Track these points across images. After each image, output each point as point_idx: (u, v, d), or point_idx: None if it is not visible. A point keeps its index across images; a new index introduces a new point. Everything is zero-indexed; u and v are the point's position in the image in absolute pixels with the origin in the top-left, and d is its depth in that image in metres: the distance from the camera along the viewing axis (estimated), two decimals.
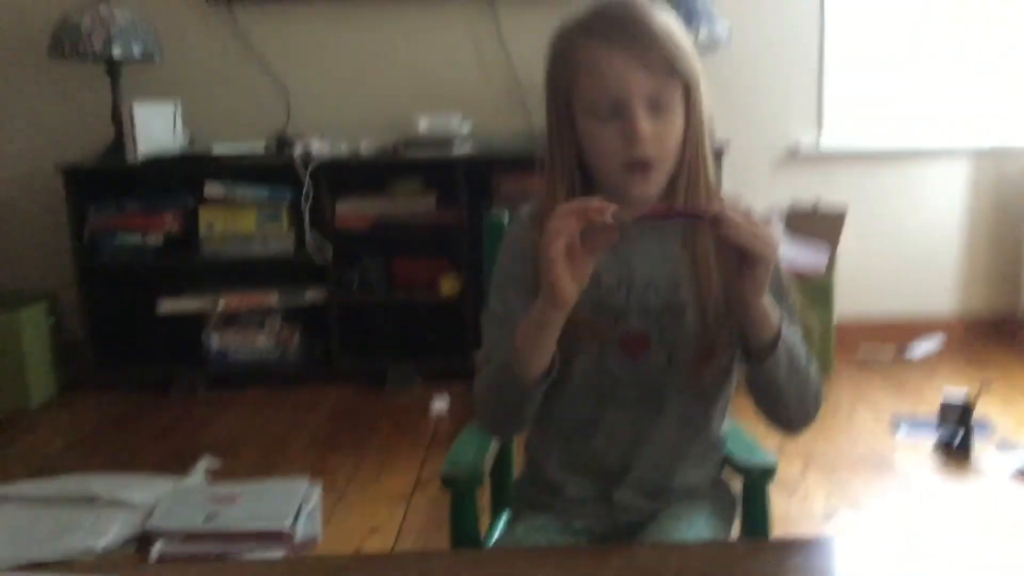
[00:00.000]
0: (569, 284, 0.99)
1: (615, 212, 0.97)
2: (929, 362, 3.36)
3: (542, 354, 1.07)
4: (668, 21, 1.11)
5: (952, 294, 3.64)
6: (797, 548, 1.09)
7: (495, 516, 1.48)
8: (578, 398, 1.20)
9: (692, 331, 1.15)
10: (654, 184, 1.11)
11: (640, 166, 1.09)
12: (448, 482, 1.30)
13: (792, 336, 1.10)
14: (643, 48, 1.07)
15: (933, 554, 1.04)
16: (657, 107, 1.08)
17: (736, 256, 0.99)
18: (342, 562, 1.22)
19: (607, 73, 1.07)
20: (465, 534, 1.29)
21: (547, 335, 1.05)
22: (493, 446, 1.38)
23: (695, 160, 1.13)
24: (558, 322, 1.04)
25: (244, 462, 2.64)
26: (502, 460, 1.48)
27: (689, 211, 1.09)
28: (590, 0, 1.13)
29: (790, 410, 1.14)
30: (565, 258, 0.98)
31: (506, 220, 1.42)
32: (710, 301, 1.13)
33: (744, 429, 1.34)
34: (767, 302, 1.04)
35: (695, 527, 1.19)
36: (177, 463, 2.58)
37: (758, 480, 1.28)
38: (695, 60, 1.11)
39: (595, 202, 0.97)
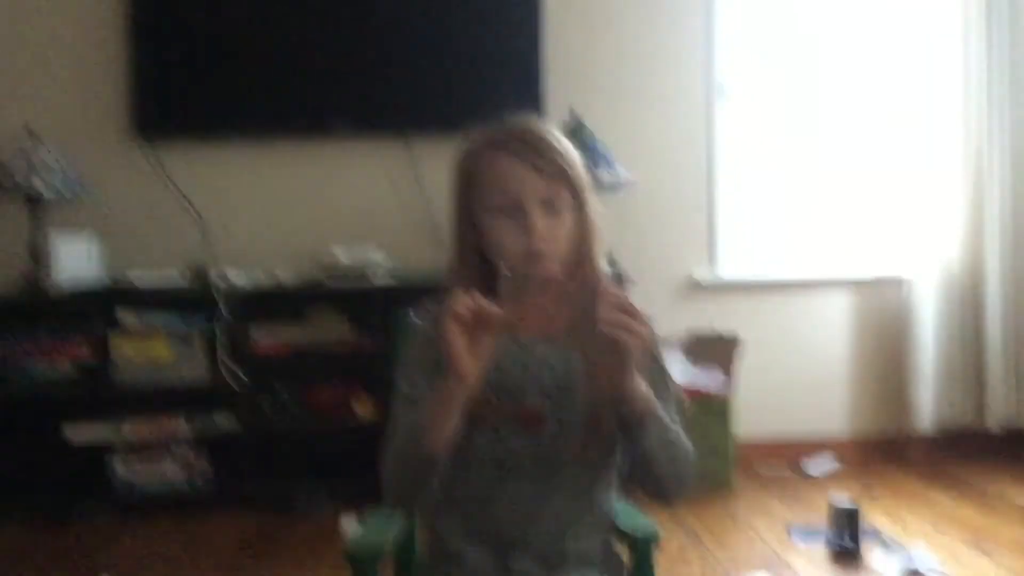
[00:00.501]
0: (469, 361, 1.10)
1: (504, 320, 1.10)
2: (824, 480, 3.51)
3: (447, 428, 1.17)
4: (560, 138, 1.30)
5: (843, 414, 3.85)
6: None
7: None
8: (478, 471, 1.29)
9: (582, 408, 1.27)
10: (549, 271, 1.25)
11: (535, 256, 1.23)
12: (351, 557, 1.36)
13: (663, 414, 1.23)
14: (539, 158, 1.25)
15: None
16: (550, 208, 1.25)
17: (609, 344, 1.11)
18: None
19: (509, 178, 1.25)
20: None
21: (451, 410, 1.16)
22: (395, 528, 1.45)
23: (585, 253, 1.30)
24: (462, 398, 1.15)
25: None
26: (405, 543, 1.53)
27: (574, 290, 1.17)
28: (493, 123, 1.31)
29: (662, 480, 1.25)
30: (465, 337, 1.10)
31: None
32: (596, 382, 1.23)
33: (629, 504, 1.45)
34: (636, 383, 1.17)
35: None
36: None
37: (643, 546, 1.38)
38: (582, 170, 1.30)
39: (492, 310, 1.10)
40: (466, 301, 1.10)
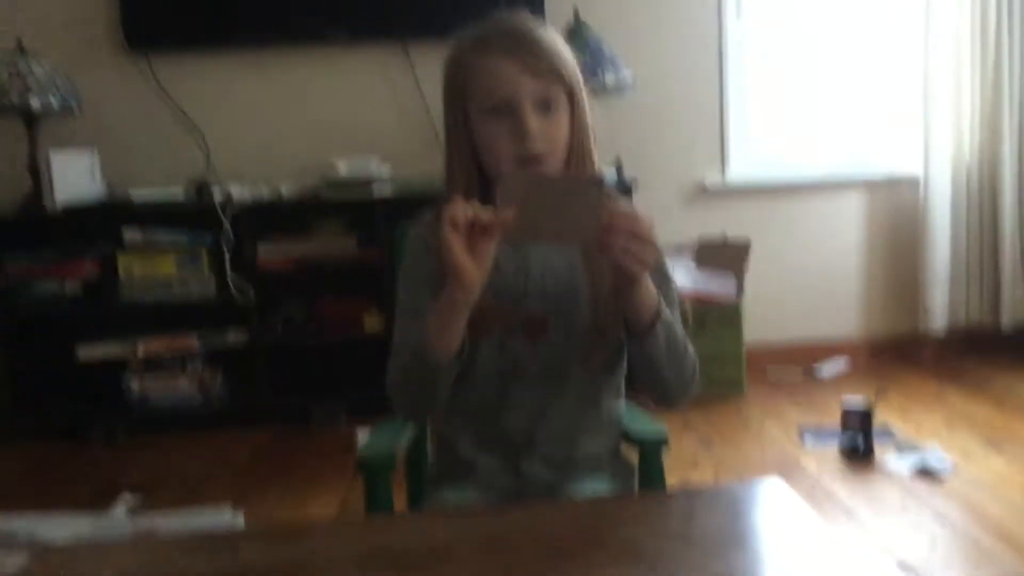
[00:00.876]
0: (471, 268, 1.07)
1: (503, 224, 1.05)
2: (835, 381, 3.52)
3: (452, 337, 1.14)
4: (552, 35, 1.24)
5: (855, 317, 3.83)
6: (684, 497, 1.17)
7: (412, 504, 1.53)
8: (484, 380, 1.27)
9: (586, 312, 1.25)
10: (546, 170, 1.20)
11: (531, 160, 1.18)
12: (362, 465, 1.36)
13: (670, 318, 1.20)
14: (531, 56, 1.19)
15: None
16: (545, 107, 1.20)
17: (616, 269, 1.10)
18: (269, 531, 1.25)
19: (499, 78, 1.19)
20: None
21: (456, 319, 1.13)
22: (406, 436, 1.45)
23: (581, 155, 1.24)
24: (465, 306, 1.12)
25: (165, 500, 2.62)
26: (416, 451, 1.53)
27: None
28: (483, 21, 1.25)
29: (667, 384, 1.24)
30: (464, 244, 1.06)
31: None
32: (601, 286, 1.23)
33: (638, 409, 1.44)
34: (645, 290, 1.14)
35: (597, 494, 1.28)
36: (97, 504, 2.56)
37: (652, 448, 1.37)
38: (576, 68, 1.24)
39: (485, 214, 1.05)
40: (463, 208, 1.05)
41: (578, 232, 1.06)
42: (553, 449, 1.30)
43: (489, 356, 1.26)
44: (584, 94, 1.25)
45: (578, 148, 1.24)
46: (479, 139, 1.22)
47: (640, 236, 1.07)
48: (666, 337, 1.19)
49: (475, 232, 1.06)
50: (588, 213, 1.05)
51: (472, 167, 1.24)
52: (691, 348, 1.25)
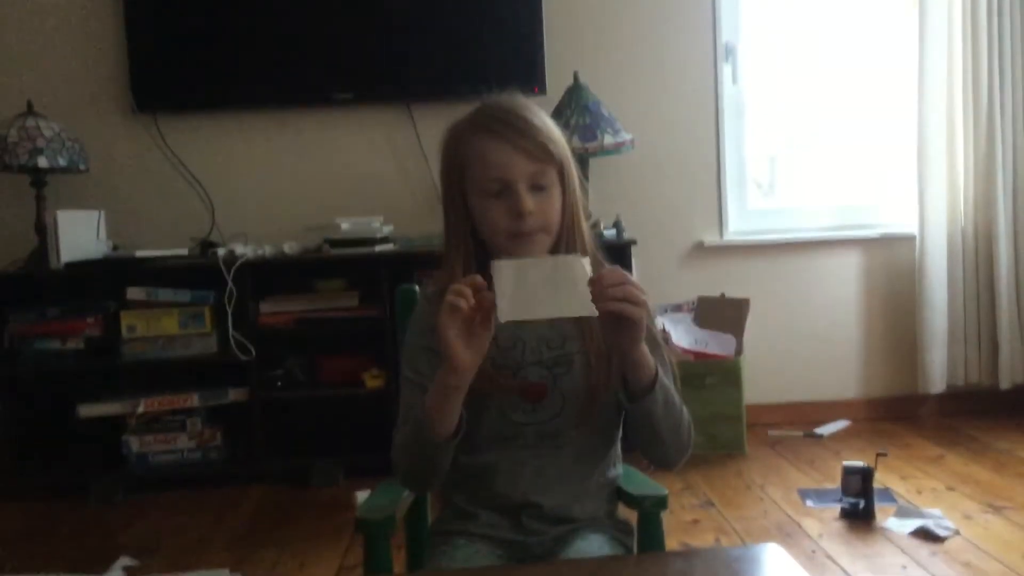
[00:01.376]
0: (466, 354, 1.14)
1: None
2: (835, 441, 3.51)
3: (450, 416, 1.21)
4: (542, 116, 1.32)
5: (854, 377, 3.83)
6: (683, 558, 1.18)
7: (411, 566, 1.53)
8: (484, 443, 1.32)
9: (581, 377, 1.31)
10: (539, 250, 1.28)
11: (525, 236, 1.27)
12: (361, 525, 1.36)
13: (667, 381, 1.27)
14: (523, 138, 1.27)
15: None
16: (538, 186, 1.28)
17: (612, 320, 1.14)
18: None
19: (495, 160, 1.27)
20: None
21: (452, 400, 1.20)
22: (406, 496, 1.45)
23: (572, 227, 1.32)
24: (461, 388, 1.18)
25: (163, 560, 2.61)
26: (416, 512, 1.54)
27: None
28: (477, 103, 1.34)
29: (666, 446, 1.29)
30: (461, 331, 1.13)
31: (416, 290, 1.57)
32: (592, 352, 1.30)
33: (636, 470, 1.46)
34: (643, 350, 1.20)
35: (601, 549, 1.30)
36: (95, 564, 2.54)
37: (652, 509, 1.38)
38: (565, 146, 1.32)
39: (472, 280, 1.13)
40: (463, 296, 1.12)
41: (571, 303, 1.11)
42: (551, 507, 1.33)
43: (488, 421, 1.31)
44: (574, 171, 1.33)
45: (569, 223, 1.32)
46: (476, 216, 1.30)
47: (630, 284, 1.12)
48: (664, 400, 1.24)
49: (472, 319, 1.13)
50: (577, 284, 1.11)
51: (469, 240, 1.32)
52: (686, 411, 1.31)
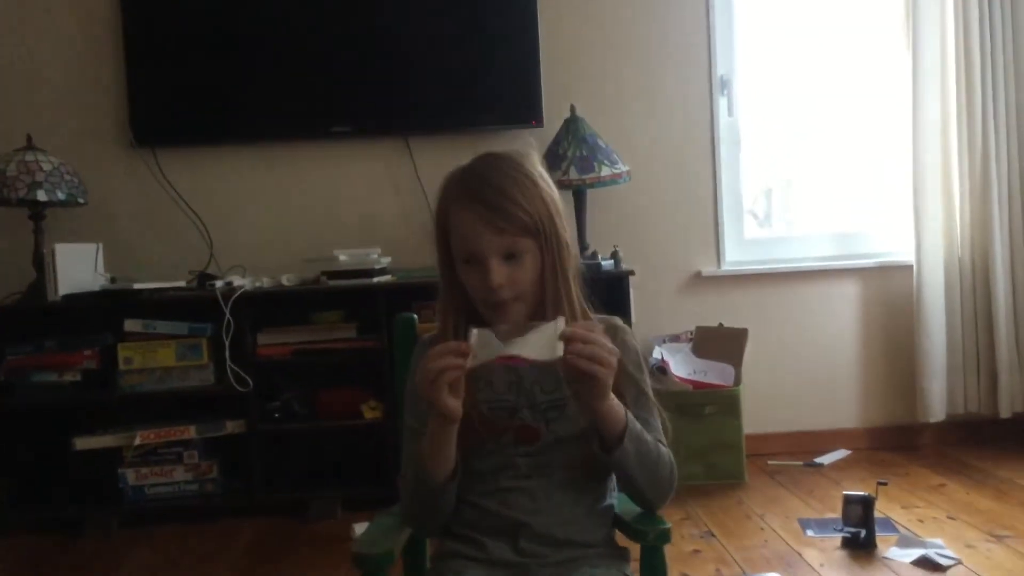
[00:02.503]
0: (452, 404, 1.22)
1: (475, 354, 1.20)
2: (835, 471, 3.49)
3: (445, 459, 1.29)
4: (526, 178, 1.32)
5: (853, 406, 3.83)
6: None
7: None
8: (480, 477, 1.37)
9: (574, 420, 1.34)
10: (515, 316, 1.31)
11: (498, 306, 1.31)
12: (359, 561, 1.35)
13: (639, 431, 1.30)
14: (494, 212, 1.29)
15: None
16: (510, 256, 1.30)
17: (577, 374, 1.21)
18: None
19: (468, 232, 1.31)
20: None
21: (445, 445, 1.28)
22: (404, 529, 1.44)
23: (556, 287, 1.34)
24: (451, 434, 1.27)
25: None
26: (414, 545, 1.52)
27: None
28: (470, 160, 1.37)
29: (642, 492, 1.35)
30: (445, 388, 1.20)
31: (415, 318, 1.62)
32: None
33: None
34: (610, 404, 1.25)
35: (601, 569, 1.32)
36: None
37: (655, 543, 1.37)
38: (548, 212, 1.33)
39: (460, 347, 1.20)
40: (448, 366, 1.18)
41: (534, 348, 1.19)
42: (545, 528, 1.35)
43: (484, 457, 1.36)
44: (563, 230, 1.35)
45: (553, 289, 1.33)
46: (460, 277, 1.35)
47: (596, 343, 1.18)
48: (636, 451, 1.29)
49: (455, 376, 1.20)
50: (546, 333, 1.20)
51: (461, 297, 1.37)
52: (667, 454, 1.35)
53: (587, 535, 1.37)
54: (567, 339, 1.18)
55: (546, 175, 1.37)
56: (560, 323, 1.20)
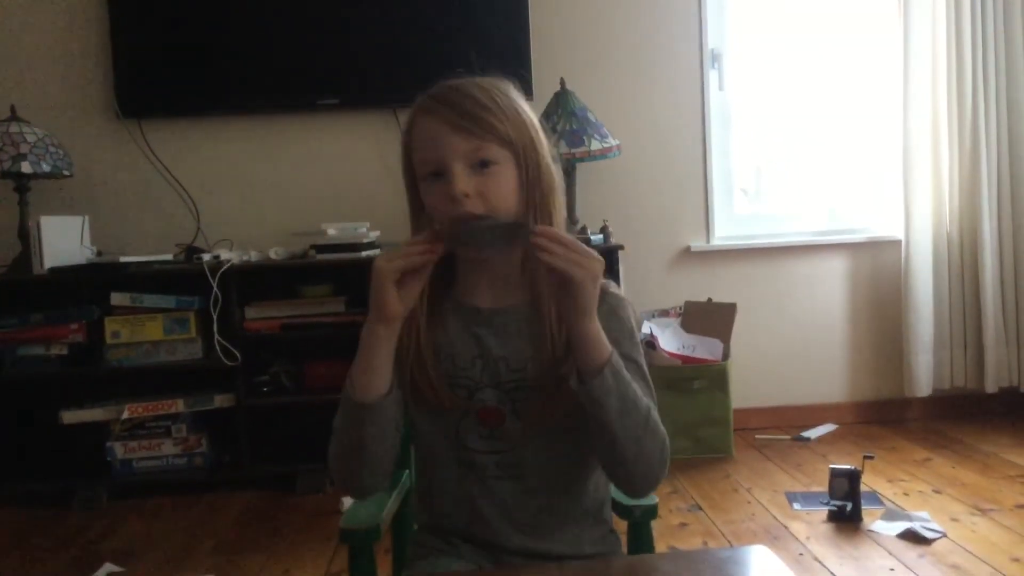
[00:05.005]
0: (396, 301, 1.10)
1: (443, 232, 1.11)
2: (822, 445, 3.52)
3: (377, 374, 1.14)
4: (493, 92, 1.20)
5: (840, 380, 3.85)
6: (671, 560, 1.17)
7: (397, 571, 1.51)
8: (448, 472, 1.24)
9: (539, 402, 1.21)
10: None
11: (460, 218, 1.15)
12: (346, 536, 1.34)
13: (626, 376, 1.14)
14: (458, 114, 1.16)
15: None
16: (481, 165, 1.16)
17: (559, 281, 1.07)
18: None
19: (430, 140, 1.17)
20: None
21: (378, 353, 1.13)
22: (391, 503, 1.43)
23: (542, 214, 1.20)
24: (388, 338, 1.13)
25: (147, 568, 2.59)
26: (402, 520, 1.52)
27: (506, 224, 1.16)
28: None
29: (626, 456, 1.14)
30: (394, 280, 1.09)
31: None
32: (548, 350, 1.20)
33: None
34: (595, 328, 1.10)
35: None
36: (78, 572, 2.52)
37: (642, 519, 1.36)
38: (526, 123, 1.21)
39: (420, 244, 1.10)
40: (392, 261, 1.09)
41: (511, 233, 1.11)
42: (519, 546, 1.25)
43: (446, 447, 1.24)
44: (542, 148, 1.22)
45: (535, 211, 1.19)
46: (424, 200, 1.21)
47: (574, 247, 1.07)
48: (620, 393, 1.12)
49: (407, 271, 1.10)
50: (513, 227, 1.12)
51: (430, 227, 1.20)
52: (660, 429, 1.17)
53: (570, 542, 1.26)
54: (537, 234, 1.06)
55: (526, 104, 1.24)
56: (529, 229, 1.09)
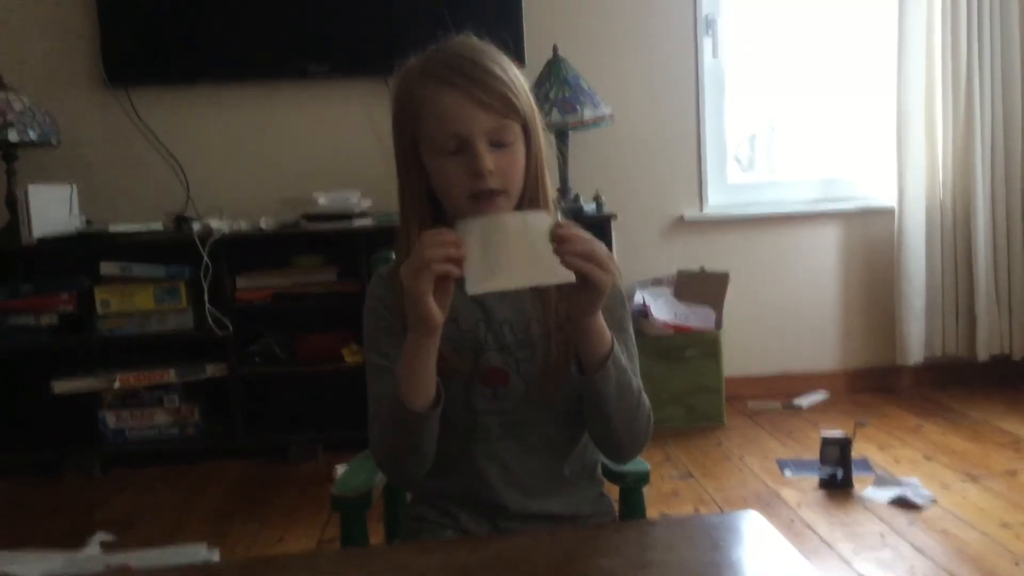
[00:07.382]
0: (436, 311, 1.05)
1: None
2: (813, 412, 3.53)
3: (425, 383, 1.12)
4: (505, 63, 1.18)
5: (833, 349, 3.85)
6: (663, 526, 1.17)
7: (390, 540, 1.52)
8: (447, 435, 1.21)
9: (543, 363, 1.21)
10: (502, 210, 1.16)
11: (486, 195, 1.14)
12: (337, 503, 1.34)
13: (624, 363, 1.17)
14: (483, 89, 1.13)
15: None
16: (499, 142, 1.15)
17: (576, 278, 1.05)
18: (245, 566, 1.24)
19: (451, 114, 1.13)
20: None
21: (426, 363, 1.11)
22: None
23: (536, 186, 1.20)
24: (433, 348, 1.10)
25: (140, 536, 2.59)
26: (394, 487, 1.52)
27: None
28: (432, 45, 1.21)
29: (617, 434, 1.20)
30: (431, 285, 1.03)
31: (394, 261, 1.50)
32: (553, 330, 1.20)
33: None
34: (599, 321, 1.12)
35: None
36: (71, 541, 2.52)
37: (634, 485, 1.36)
38: (529, 97, 1.19)
39: (449, 234, 1.04)
40: (443, 245, 1.02)
41: (543, 269, 1.04)
42: (522, 507, 1.25)
43: (452, 411, 1.21)
44: (539, 124, 1.21)
45: (534, 181, 1.20)
46: (432, 174, 1.18)
47: (599, 250, 1.05)
48: (618, 381, 1.16)
49: (441, 275, 1.04)
50: (544, 244, 1.04)
51: (426, 201, 1.21)
52: (645, 401, 1.21)
53: (573, 503, 1.27)
54: (560, 239, 1.03)
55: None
56: (545, 219, 1.05)
